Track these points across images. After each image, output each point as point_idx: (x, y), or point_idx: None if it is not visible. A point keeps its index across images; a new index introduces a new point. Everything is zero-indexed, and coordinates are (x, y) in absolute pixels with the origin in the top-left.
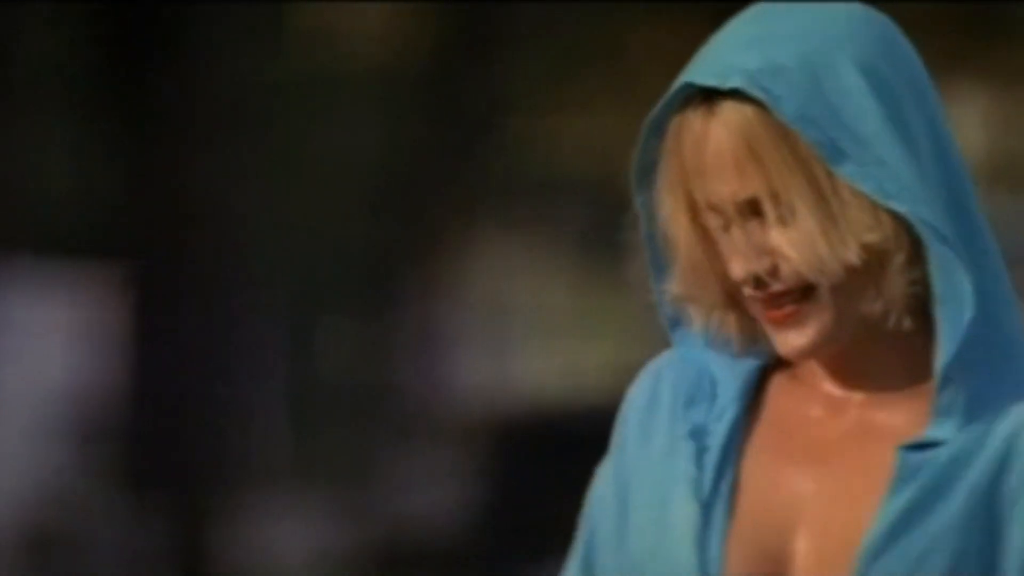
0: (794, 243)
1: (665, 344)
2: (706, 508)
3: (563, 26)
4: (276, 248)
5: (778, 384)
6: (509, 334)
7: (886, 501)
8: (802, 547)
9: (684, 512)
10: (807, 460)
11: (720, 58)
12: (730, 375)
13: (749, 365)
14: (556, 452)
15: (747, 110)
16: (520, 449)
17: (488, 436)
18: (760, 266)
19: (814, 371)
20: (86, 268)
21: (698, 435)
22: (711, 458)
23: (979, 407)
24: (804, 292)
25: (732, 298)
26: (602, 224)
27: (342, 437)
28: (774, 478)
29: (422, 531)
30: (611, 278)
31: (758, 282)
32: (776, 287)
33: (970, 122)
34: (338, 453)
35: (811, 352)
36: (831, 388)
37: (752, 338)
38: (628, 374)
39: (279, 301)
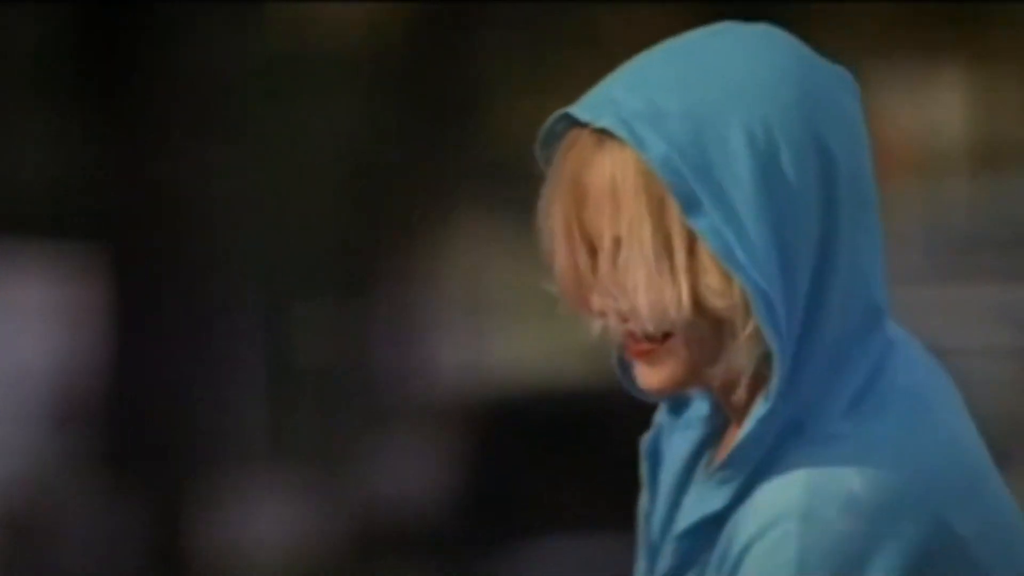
0: (653, 286)
1: None
2: (654, 547)
3: (539, 9)
4: (253, 231)
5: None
6: (487, 317)
7: None
8: None
9: (641, 552)
10: None
11: (608, 92)
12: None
13: None
14: (534, 435)
15: (628, 150)
16: (498, 432)
17: (466, 419)
18: (613, 304)
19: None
20: (63, 251)
21: (655, 457)
22: (668, 482)
23: (753, 486)
24: (656, 335)
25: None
26: None
27: (320, 420)
28: None
29: (399, 514)
30: None
31: (611, 318)
32: (630, 327)
33: (952, 105)
34: (316, 436)
35: (665, 392)
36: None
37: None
38: (607, 357)
39: (257, 284)
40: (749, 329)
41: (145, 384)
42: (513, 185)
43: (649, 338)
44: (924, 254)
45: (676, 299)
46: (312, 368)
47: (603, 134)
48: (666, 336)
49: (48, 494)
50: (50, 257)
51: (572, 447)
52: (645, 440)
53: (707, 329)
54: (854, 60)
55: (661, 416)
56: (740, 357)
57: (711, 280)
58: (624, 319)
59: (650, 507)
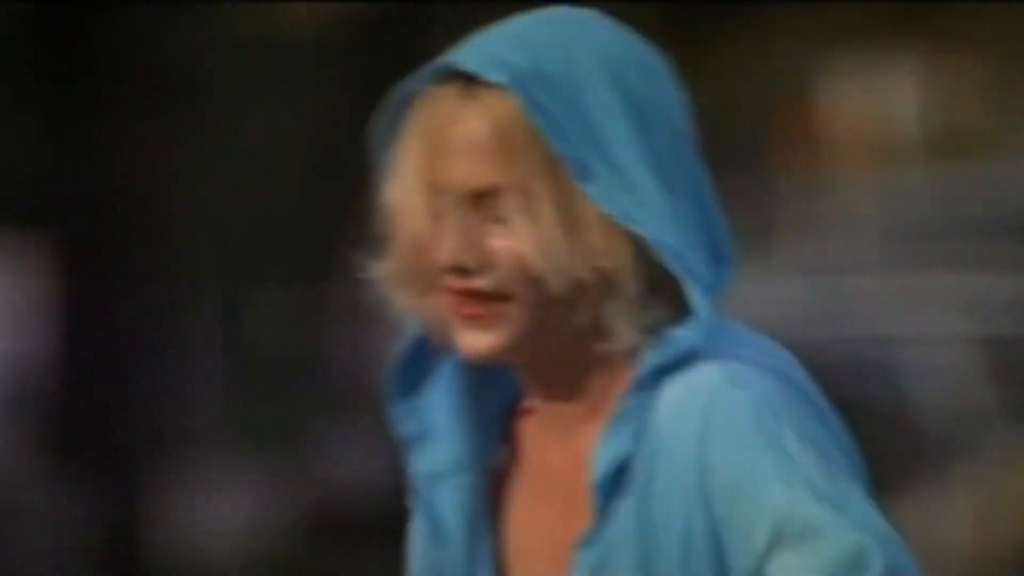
0: (532, 240)
1: None
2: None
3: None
4: (209, 217)
5: (527, 436)
6: None
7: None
8: None
9: None
10: (553, 516)
11: (487, 48)
12: (474, 412)
13: (499, 399)
14: None
15: (508, 104)
16: None
17: None
18: (469, 257)
19: (544, 412)
20: (15, 236)
21: (434, 513)
22: (458, 526)
23: (650, 417)
24: (502, 297)
25: (435, 286)
26: None
27: (276, 406)
28: (534, 545)
29: (355, 499)
30: None
31: (462, 272)
32: (478, 283)
33: (906, 92)
34: (272, 422)
35: (493, 356)
36: (558, 422)
37: (447, 334)
38: None
39: (212, 270)
40: (633, 286)
41: (100, 371)
42: None
43: (488, 298)
44: (882, 242)
45: (577, 257)
46: (268, 354)
47: (471, 89)
48: (504, 299)
49: (2, 482)
50: (2, 243)
51: None
52: (419, 502)
53: (560, 292)
54: (813, 49)
55: (419, 485)
56: (619, 318)
57: (597, 240)
58: (478, 272)
59: (443, 557)
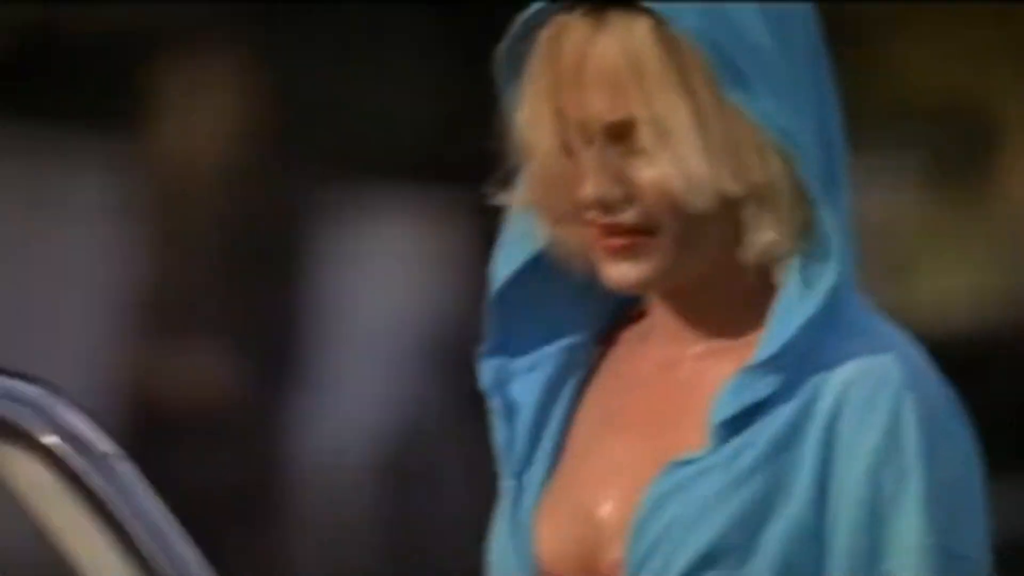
0: (675, 171)
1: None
2: (517, 479)
3: None
4: None
5: (622, 343)
6: None
7: (667, 468)
8: (608, 513)
9: (504, 484)
10: (629, 424)
11: None
12: (569, 326)
13: (595, 323)
14: None
15: (641, 25)
16: None
17: None
18: (613, 192)
19: (654, 325)
20: (440, 195)
21: (506, 398)
22: (524, 422)
23: (804, 362)
24: (648, 229)
25: (576, 218)
26: None
27: None
28: (592, 445)
29: None
30: None
31: (606, 207)
32: (623, 218)
33: None
34: None
35: (641, 287)
36: (667, 342)
37: (588, 262)
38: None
39: None
40: (779, 203)
41: None
42: None
43: (634, 231)
44: None
45: (724, 170)
46: None
47: (600, 15)
48: (650, 231)
49: (424, 442)
50: (423, 202)
51: None
52: (490, 382)
53: (708, 217)
54: None
55: (495, 369)
56: (781, 233)
57: (747, 154)
58: (622, 206)
59: (511, 439)
